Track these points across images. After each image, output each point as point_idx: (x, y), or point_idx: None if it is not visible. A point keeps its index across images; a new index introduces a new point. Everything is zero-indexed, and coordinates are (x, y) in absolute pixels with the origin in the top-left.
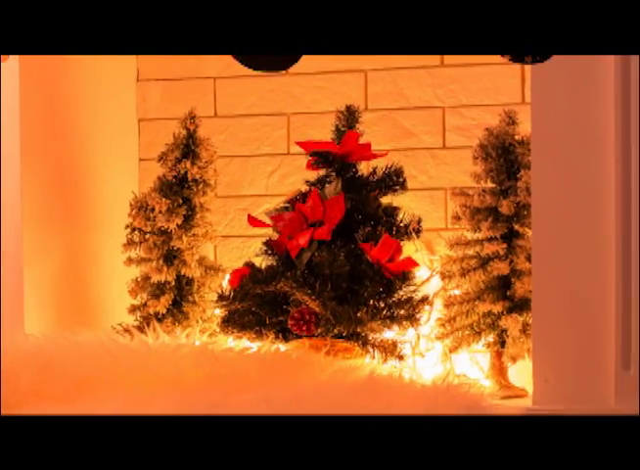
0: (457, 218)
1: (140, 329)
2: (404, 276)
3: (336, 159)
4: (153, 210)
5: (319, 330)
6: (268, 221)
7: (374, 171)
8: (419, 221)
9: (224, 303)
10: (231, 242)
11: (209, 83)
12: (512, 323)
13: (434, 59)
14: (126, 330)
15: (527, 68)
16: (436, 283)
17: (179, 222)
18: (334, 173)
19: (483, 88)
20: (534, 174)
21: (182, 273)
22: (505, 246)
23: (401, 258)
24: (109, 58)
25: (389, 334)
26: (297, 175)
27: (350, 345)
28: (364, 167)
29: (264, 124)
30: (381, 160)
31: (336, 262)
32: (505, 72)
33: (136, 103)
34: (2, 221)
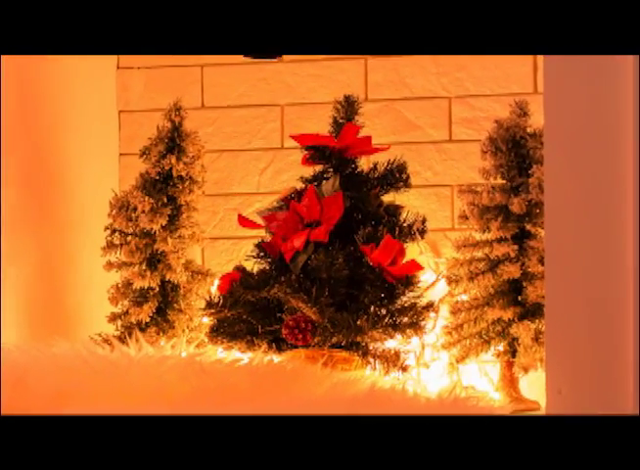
0: (464, 218)
1: (121, 339)
2: (408, 281)
3: (333, 153)
4: (135, 209)
5: (316, 339)
6: (260, 222)
7: (375, 167)
8: (423, 221)
9: (213, 310)
10: (220, 244)
11: (196, 72)
12: (523, 331)
13: None
14: (106, 341)
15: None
16: (442, 288)
17: (163, 223)
18: (331, 169)
19: (493, 77)
20: (547, 170)
21: (167, 278)
22: (516, 247)
23: (404, 261)
24: None
25: (392, 343)
26: (292, 171)
27: (350, 355)
28: (364, 163)
29: (256, 116)
30: (382, 154)
31: (334, 266)
32: (516, 60)
33: (116, 93)
34: None
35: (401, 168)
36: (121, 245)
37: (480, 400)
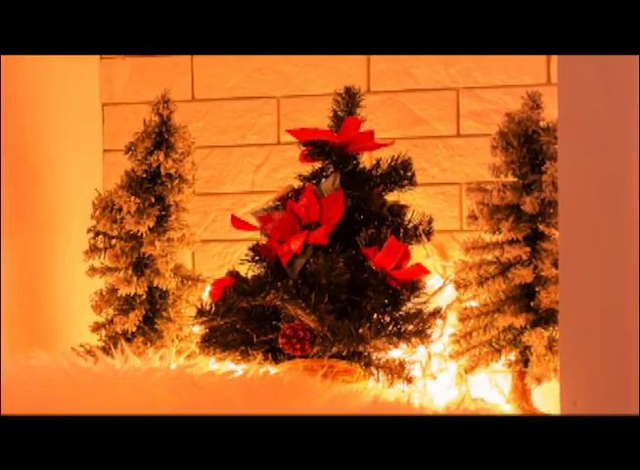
0: (473, 218)
1: (105, 351)
2: (413, 286)
3: (333, 149)
4: (120, 210)
5: (315, 349)
6: (255, 223)
7: (378, 164)
8: (430, 222)
9: (204, 318)
10: (212, 247)
11: (186, 62)
12: (536, 339)
13: None
14: (89, 352)
15: None
16: (450, 293)
17: (151, 225)
18: (331, 166)
19: (503, 67)
20: (562, 166)
21: (155, 284)
22: (528, 249)
23: (409, 264)
24: None
25: (396, 353)
26: (289, 169)
27: (351, 366)
28: (366, 159)
29: (250, 109)
30: (386, 150)
31: (334, 271)
32: None
33: (99, 84)
34: None
35: (406, 165)
36: (105, 249)
37: (491, 413)
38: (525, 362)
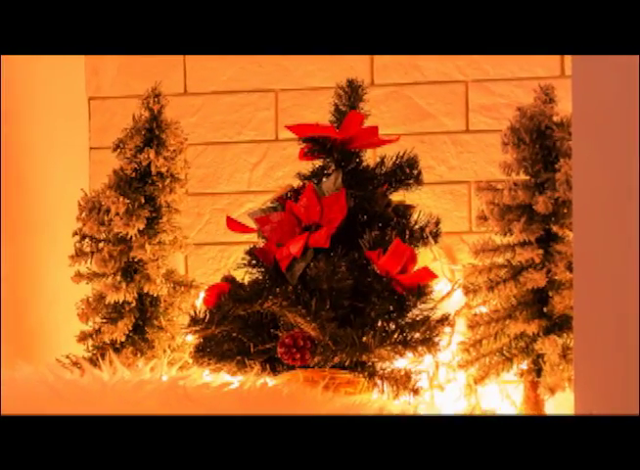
0: (483, 219)
1: (93, 362)
2: (419, 291)
3: (335, 146)
4: (107, 212)
5: (316, 359)
6: (252, 225)
7: (382, 162)
8: (437, 223)
9: (198, 327)
10: (206, 251)
11: None
12: (550, 347)
13: None
14: (75, 363)
15: None
16: (459, 299)
17: (141, 227)
18: (333, 164)
19: (514, 58)
20: (576, 164)
21: (145, 291)
22: (541, 252)
23: (416, 268)
24: None
25: (402, 363)
26: (288, 167)
27: (354, 377)
28: (370, 157)
29: (246, 103)
30: (390, 147)
31: (336, 275)
32: None
33: (85, 77)
34: None
35: (412, 163)
36: (92, 253)
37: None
38: (538, 372)
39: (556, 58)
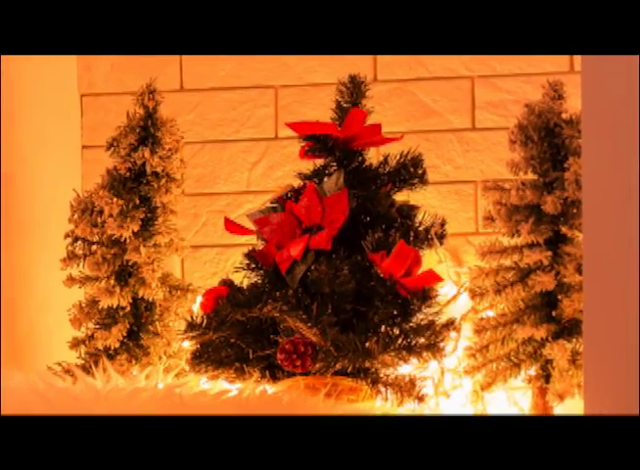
0: (490, 220)
1: (86, 369)
2: (424, 295)
3: (337, 144)
4: (101, 213)
5: (317, 366)
6: (251, 226)
7: (385, 160)
8: (442, 224)
9: (195, 333)
10: (203, 254)
11: None
12: (558, 352)
13: None
14: (67, 371)
15: None
16: (465, 303)
17: (135, 229)
18: (334, 163)
19: None
20: (586, 163)
21: (140, 295)
22: (550, 254)
23: (420, 271)
24: None
25: (406, 369)
26: (288, 166)
27: (357, 384)
28: (373, 156)
29: (244, 100)
30: (394, 145)
31: (338, 278)
32: None
33: (78, 73)
34: None
35: (416, 162)
36: (85, 256)
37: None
38: (547, 378)
39: None
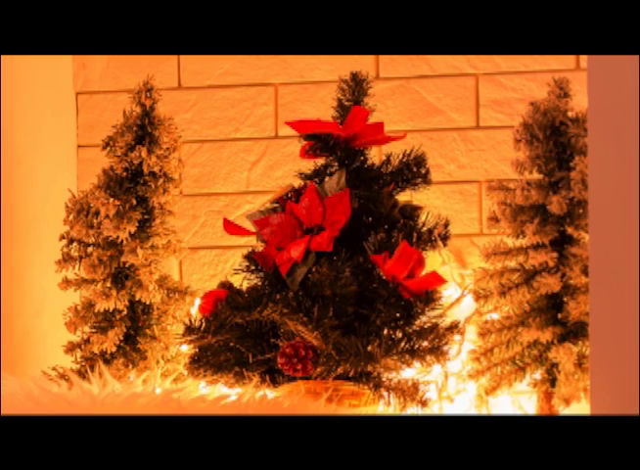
0: (495, 220)
1: (81, 374)
2: (428, 297)
3: (338, 143)
4: (97, 214)
5: (318, 370)
6: (250, 227)
7: (388, 160)
8: (446, 225)
9: (193, 336)
10: (202, 255)
11: None
12: (564, 355)
13: None
14: (63, 376)
15: None
16: (469, 305)
17: (132, 230)
18: (336, 163)
19: None
20: (592, 162)
21: (137, 298)
22: (555, 255)
23: (424, 273)
24: None
25: (409, 373)
26: (288, 166)
27: (359, 388)
28: (375, 155)
29: (244, 98)
30: (397, 144)
31: (339, 281)
32: None
33: (73, 71)
34: None
35: (420, 161)
36: (80, 258)
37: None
38: (553, 382)
39: None
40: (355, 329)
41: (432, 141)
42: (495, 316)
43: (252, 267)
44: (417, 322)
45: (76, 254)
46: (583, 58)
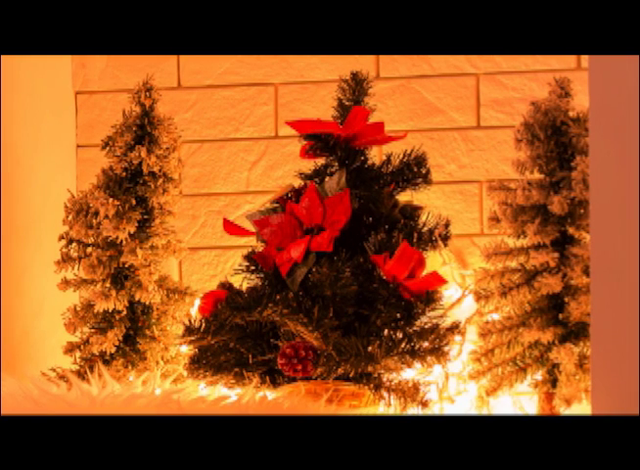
0: (495, 220)
1: (81, 375)
2: (428, 297)
3: (338, 143)
4: (96, 214)
5: (318, 370)
6: (250, 228)
7: (388, 160)
8: (447, 225)
9: (193, 337)
10: (201, 256)
11: None
12: (565, 356)
13: None
14: (62, 377)
15: None
16: (470, 305)
17: (132, 231)
18: (336, 163)
19: None
20: (593, 162)
21: (136, 299)
22: (556, 255)
23: (424, 273)
24: None
25: (410, 373)
26: (288, 166)
27: (359, 389)
28: (376, 155)
29: (244, 98)
30: (397, 144)
31: (339, 281)
32: None
33: (72, 70)
34: None
35: (420, 161)
36: (80, 258)
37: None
38: (554, 382)
39: None
40: (356, 329)
41: (432, 141)
42: (496, 317)
43: (252, 268)
44: (417, 323)
45: (76, 254)
46: (584, 58)
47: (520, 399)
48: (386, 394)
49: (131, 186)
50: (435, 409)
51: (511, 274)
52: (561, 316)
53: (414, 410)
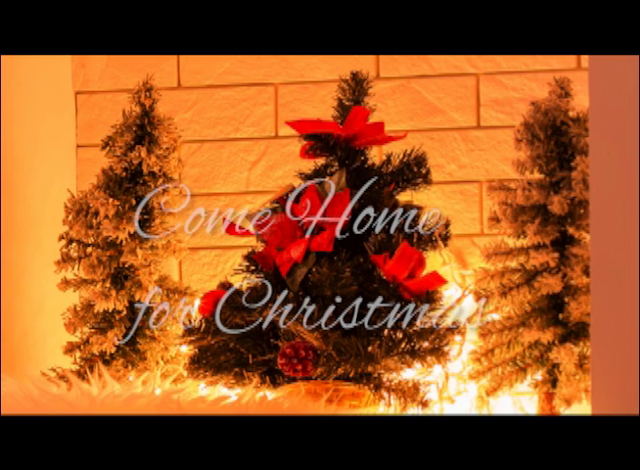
0: (495, 220)
1: (80, 375)
2: (428, 297)
3: (338, 143)
4: (96, 214)
5: (318, 370)
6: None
7: (388, 160)
8: (447, 225)
9: (193, 337)
10: (201, 256)
11: None
12: (565, 356)
13: None
14: (62, 377)
15: None
16: (470, 305)
17: (132, 231)
18: (336, 163)
19: None
20: (594, 162)
21: (136, 299)
22: (556, 255)
23: (424, 273)
24: None
25: (410, 374)
26: (288, 166)
27: (359, 389)
28: (376, 155)
29: (244, 98)
30: (397, 144)
31: (339, 281)
32: None
33: (72, 70)
34: None
35: (420, 161)
36: (80, 258)
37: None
38: (554, 382)
39: None
40: (356, 330)
41: (432, 141)
42: (496, 317)
43: (252, 268)
44: (417, 323)
45: (76, 254)
46: (584, 58)
47: (520, 400)
48: (386, 394)
49: (131, 186)
50: (435, 409)
51: (511, 274)
52: (561, 316)
53: (414, 410)
